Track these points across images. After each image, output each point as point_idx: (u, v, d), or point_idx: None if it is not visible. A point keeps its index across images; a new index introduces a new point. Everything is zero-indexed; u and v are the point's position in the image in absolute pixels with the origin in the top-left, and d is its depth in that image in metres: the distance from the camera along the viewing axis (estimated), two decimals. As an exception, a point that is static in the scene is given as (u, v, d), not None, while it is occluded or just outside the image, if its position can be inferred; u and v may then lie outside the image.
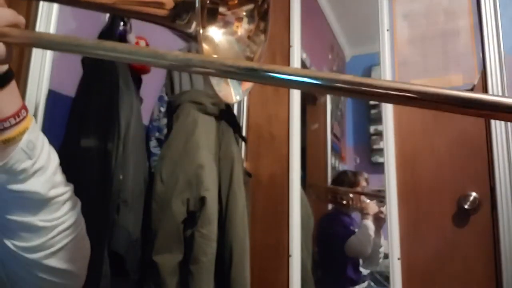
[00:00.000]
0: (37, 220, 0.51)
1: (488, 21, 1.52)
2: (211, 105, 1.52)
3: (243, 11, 0.50)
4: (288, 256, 1.70)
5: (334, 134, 3.30)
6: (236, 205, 1.47)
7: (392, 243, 1.50)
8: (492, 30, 1.51)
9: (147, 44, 1.58)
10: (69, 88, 1.39)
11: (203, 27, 0.44)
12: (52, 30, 1.17)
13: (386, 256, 1.72)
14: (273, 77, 0.32)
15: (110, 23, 1.43)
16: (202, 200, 1.37)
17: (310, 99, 3.08)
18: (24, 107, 0.51)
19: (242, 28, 0.49)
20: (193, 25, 0.41)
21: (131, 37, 1.53)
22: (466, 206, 1.43)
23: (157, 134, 1.68)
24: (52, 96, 1.22)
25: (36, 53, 1.12)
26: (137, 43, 1.55)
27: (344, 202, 2.62)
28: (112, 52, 0.37)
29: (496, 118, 0.28)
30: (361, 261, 2.49)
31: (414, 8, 1.68)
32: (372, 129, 3.43)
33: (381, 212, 2.37)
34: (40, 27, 1.14)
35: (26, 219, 0.51)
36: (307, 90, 0.33)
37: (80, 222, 0.58)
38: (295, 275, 1.68)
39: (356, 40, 3.72)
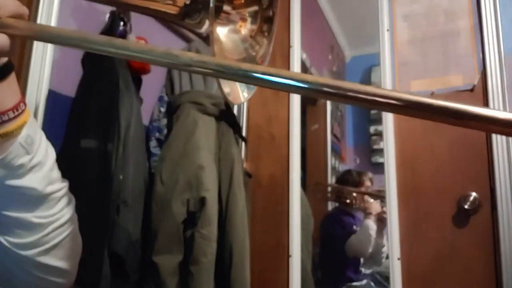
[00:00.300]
0: (32, 216, 0.50)
1: (488, 22, 1.52)
2: (211, 106, 1.52)
3: (247, 12, 0.50)
4: (288, 256, 1.69)
5: (334, 135, 3.30)
6: (236, 206, 1.47)
7: (392, 243, 1.50)
8: (492, 30, 1.51)
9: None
10: (69, 88, 1.39)
11: (211, 24, 0.43)
12: (52, 30, 1.17)
13: (387, 256, 1.72)
14: (259, 78, 0.32)
15: (110, 23, 1.43)
16: (202, 201, 1.37)
17: (310, 100, 3.08)
18: (22, 101, 0.50)
19: (246, 28, 0.49)
20: (205, 26, 0.41)
21: (131, 37, 1.53)
22: (466, 207, 1.43)
23: (157, 135, 1.68)
24: (52, 96, 1.22)
25: (36, 53, 1.12)
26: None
27: (348, 201, 2.61)
28: (123, 50, 0.36)
29: (484, 130, 0.28)
30: (362, 261, 2.49)
31: (414, 9, 1.68)
32: (372, 129, 3.43)
33: (384, 212, 2.37)
34: (40, 27, 1.14)
35: (22, 215, 0.50)
36: (294, 92, 0.33)
37: (74, 220, 0.57)
38: (295, 275, 1.68)
39: (356, 41, 3.72)
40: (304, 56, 2.37)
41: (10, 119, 0.47)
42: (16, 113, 0.48)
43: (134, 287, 1.33)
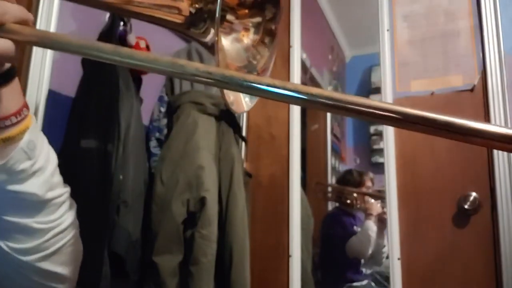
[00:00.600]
0: (32, 222, 0.50)
1: (488, 22, 1.52)
2: (211, 106, 1.52)
3: (250, 22, 0.50)
4: (288, 256, 1.69)
5: (334, 135, 3.30)
6: (236, 206, 1.47)
7: (392, 243, 1.50)
8: (492, 30, 1.51)
9: (147, 45, 1.58)
10: (69, 88, 1.39)
11: (216, 34, 0.43)
12: (52, 30, 1.17)
13: (387, 256, 1.72)
14: (258, 88, 0.32)
15: (110, 23, 1.43)
16: (202, 201, 1.37)
17: (310, 100, 3.08)
18: (25, 106, 0.50)
19: (248, 38, 0.50)
20: (210, 35, 0.41)
21: (131, 37, 1.53)
22: (466, 206, 1.43)
23: (157, 135, 1.68)
24: (52, 96, 1.22)
25: (36, 53, 1.12)
26: (137, 43, 1.55)
27: (348, 201, 2.61)
28: (129, 59, 0.35)
29: (489, 147, 0.28)
30: (362, 261, 2.49)
31: (414, 9, 1.68)
32: (372, 129, 3.43)
33: (384, 213, 2.37)
34: (40, 27, 1.14)
35: (22, 221, 0.50)
36: (293, 103, 0.33)
37: (75, 225, 0.57)
38: (295, 275, 1.68)
39: (356, 41, 3.72)
40: (304, 56, 2.37)
41: (12, 124, 0.47)
42: (19, 118, 0.48)
43: (134, 287, 1.33)
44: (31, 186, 0.49)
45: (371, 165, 3.34)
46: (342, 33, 3.64)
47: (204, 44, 0.43)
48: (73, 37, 0.38)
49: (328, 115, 3.16)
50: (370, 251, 2.39)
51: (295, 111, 1.85)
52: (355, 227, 2.55)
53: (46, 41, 0.40)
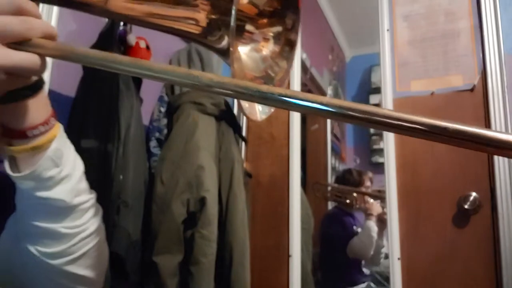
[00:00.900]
0: (60, 227, 0.52)
1: (488, 22, 1.52)
2: (211, 106, 1.52)
3: (270, 32, 0.50)
4: (288, 256, 1.70)
5: (334, 135, 3.31)
6: (236, 206, 1.47)
7: (392, 243, 1.50)
8: (492, 30, 1.51)
9: (147, 45, 1.58)
10: (69, 88, 1.39)
11: (232, 45, 0.44)
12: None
13: (386, 256, 1.72)
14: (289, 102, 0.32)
15: (110, 23, 1.43)
16: (202, 201, 1.37)
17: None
18: (53, 115, 0.52)
19: (267, 49, 0.50)
20: (224, 41, 0.42)
21: (131, 38, 1.53)
22: (466, 207, 1.43)
23: (157, 135, 1.68)
24: (52, 96, 1.21)
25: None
26: (137, 43, 1.55)
27: (348, 201, 2.60)
28: (148, 71, 0.36)
29: (504, 156, 0.28)
30: (363, 261, 2.49)
31: (414, 9, 1.68)
32: (372, 129, 3.43)
33: (385, 213, 2.37)
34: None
35: (50, 226, 0.52)
36: (323, 116, 0.33)
37: (101, 230, 0.59)
38: (295, 275, 1.68)
39: (356, 41, 3.73)
40: (304, 56, 2.37)
41: (40, 133, 0.49)
42: (47, 128, 0.49)
43: (134, 287, 1.33)
44: (59, 193, 0.51)
45: (371, 165, 3.35)
46: (342, 33, 3.64)
47: (220, 52, 0.43)
48: (94, 51, 0.40)
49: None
50: (372, 252, 2.39)
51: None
52: (354, 227, 2.55)
53: (70, 55, 0.41)
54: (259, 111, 0.48)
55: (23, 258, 0.54)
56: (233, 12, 0.39)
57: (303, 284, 1.71)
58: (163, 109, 1.71)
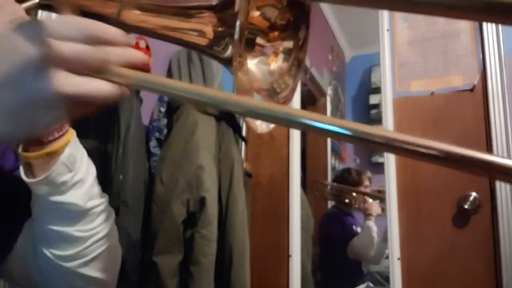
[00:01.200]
0: (74, 230, 0.53)
1: (488, 22, 1.52)
2: (211, 106, 1.52)
3: (281, 47, 0.51)
4: (288, 256, 1.70)
5: (334, 135, 3.30)
6: (236, 206, 1.47)
7: (392, 243, 1.50)
8: (492, 30, 1.51)
9: (147, 45, 1.58)
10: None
11: (240, 56, 0.44)
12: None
13: (387, 256, 1.72)
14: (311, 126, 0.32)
15: (110, 23, 1.43)
16: (202, 201, 1.37)
17: (310, 100, 3.08)
18: None
19: (276, 64, 0.50)
20: (228, 52, 0.42)
21: (131, 38, 1.53)
22: (466, 207, 1.43)
23: (157, 135, 1.68)
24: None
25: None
26: (137, 43, 1.55)
27: (347, 201, 2.60)
28: (242, 109, 0.35)
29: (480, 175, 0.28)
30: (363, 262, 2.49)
31: (414, 9, 1.68)
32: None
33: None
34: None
35: (64, 229, 0.53)
36: (341, 140, 0.33)
37: (114, 233, 0.60)
38: (295, 275, 1.68)
39: (356, 41, 3.72)
40: (304, 56, 2.36)
41: (54, 139, 0.50)
42: (60, 133, 0.50)
43: (134, 287, 1.33)
44: (72, 197, 0.52)
45: (371, 165, 3.34)
46: (342, 33, 3.64)
47: (225, 62, 0.44)
48: (176, 83, 0.39)
49: (328, 114, 3.16)
50: (372, 253, 2.38)
51: (295, 111, 1.85)
52: (354, 227, 2.55)
53: (147, 85, 0.40)
54: (260, 124, 0.49)
55: (38, 261, 0.55)
56: (237, 25, 0.40)
57: (303, 284, 1.71)
58: (163, 109, 1.71)
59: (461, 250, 1.43)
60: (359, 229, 2.51)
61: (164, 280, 1.31)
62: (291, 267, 1.68)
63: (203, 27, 0.46)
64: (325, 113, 3.15)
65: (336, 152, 3.33)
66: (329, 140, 3.16)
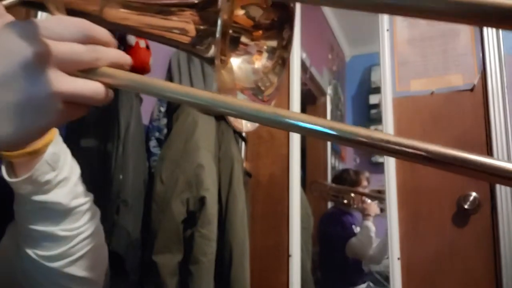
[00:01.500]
0: (58, 229, 0.53)
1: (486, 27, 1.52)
2: (211, 105, 1.52)
3: (265, 46, 0.51)
4: (288, 256, 1.70)
5: (334, 134, 3.30)
6: (236, 205, 1.47)
7: (392, 243, 1.50)
8: (492, 30, 1.51)
9: (147, 45, 1.58)
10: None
11: (223, 55, 0.44)
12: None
13: (386, 256, 1.72)
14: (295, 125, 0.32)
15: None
16: (202, 200, 1.37)
17: (310, 99, 3.08)
18: None
19: (260, 62, 0.50)
20: (211, 51, 0.42)
21: (131, 38, 1.53)
22: (466, 206, 1.44)
23: (157, 134, 1.68)
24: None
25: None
26: (137, 43, 1.55)
27: (345, 201, 2.61)
28: (231, 108, 0.35)
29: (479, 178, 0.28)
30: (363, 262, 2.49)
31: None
32: (372, 129, 3.42)
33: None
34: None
35: (48, 229, 0.52)
36: (328, 140, 0.32)
37: (99, 231, 0.59)
38: (295, 275, 1.68)
39: (356, 40, 3.72)
40: (304, 55, 2.37)
41: None
42: None
43: (134, 287, 1.33)
44: (56, 196, 0.52)
45: (371, 164, 3.34)
46: (342, 32, 3.64)
47: (208, 62, 0.44)
48: (172, 85, 0.39)
49: (328, 114, 3.16)
50: (371, 252, 2.39)
51: (295, 110, 1.85)
52: (353, 226, 2.55)
53: (141, 87, 0.40)
54: (245, 123, 0.49)
55: (23, 263, 0.54)
56: (219, 22, 0.40)
57: (303, 283, 1.71)
58: (163, 109, 1.71)
59: (461, 249, 1.43)
60: (358, 229, 2.51)
61: (164, 279, 1.31)
62: (291, 266, 1.68)
63: (186, 25, 0.46)
64: (325, 112, 3.15)
65: (336, 152, 3.32)
66: (329, 140, 3.16)
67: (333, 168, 3.20)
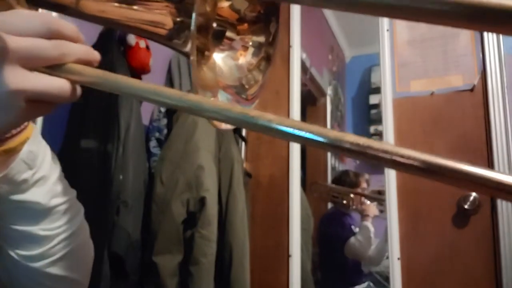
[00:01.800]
0: (38, 229, 0.51)
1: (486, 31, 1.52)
2: (211, 106, 1.52)
3: (251, 41, 0.49)
4: (288, 256, 1.70)
5: (334, 135, 3.30)
6: (236, 206, 1.47)
7: (392, 243, 1.50)
8: (492, 30, 1.51)
9: (147, 45, 1.58)
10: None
11: (207, 50, 0.43)
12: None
13: (386, 256, 1.72)
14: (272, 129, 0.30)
15: (110, 23, 1.43)
16: (202, 201, 1.37)
17: (310, 100, 3.08)
18: None
19: (245, 59, 0.49)
20: (188, 45, 0.41)
21: (131, 38, 1.53)
22: (466, 207, 1.43)
23: (157, 135, 1.68)
24: (52, 97, 1.21)
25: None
26: (137, 43, 1.55)
27: (345, 202, 2.61)
28: (197, 108, 0.34)
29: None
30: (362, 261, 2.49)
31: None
32: (372, 129, 3.43)
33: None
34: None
35: (28, 228, 0.51)
36: (310, 145, 0.31)
37: (82, 230, 0.58)
38: (295, 275, 1.68)
39: (356, 41, 3.72)
40: (304, 56, 2.37)
41: (12, 136, 0.47)
42: (18, 130, 0.47)
43: (134, 287, 1.33)
44: (34, 195, 0.50)
45: (371, 165, 3.34)
46: (342, 33, 3.64)
47: (186, 55, 0.42)
48: (138, 82, 0.38)
49: (328, 114, 3.16)
50: (369, 253, 2.39)
51: (295, 111, 1.85)
52: (353, 227, 2.55)
53: (108, 84, 0.38)
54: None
55: (4, 262, 0.53)
56: (194, 15, 0.39)
57: (303, 284, 1.71)
58: (163, 109, 1.71)
59: (461, 250, 1.43)
60: (357, 230, 2.52)
61: (164, 280, 1.31)
62: (291, 267, 1.68)
63: (163, 18, 0.45)
64: (325, 113, 3.15)
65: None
66: (329, 140, 3.16)
67: (333, 169, 3.20)
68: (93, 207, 1.17)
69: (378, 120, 2.80)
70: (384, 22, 1.69)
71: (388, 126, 1.59)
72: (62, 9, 0.41)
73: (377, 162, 0.28)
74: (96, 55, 0.42)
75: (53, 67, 0.38)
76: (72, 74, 0.39)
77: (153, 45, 1.63)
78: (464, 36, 1.58)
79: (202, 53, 0.45)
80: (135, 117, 1.39)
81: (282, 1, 0.49)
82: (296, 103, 1.86)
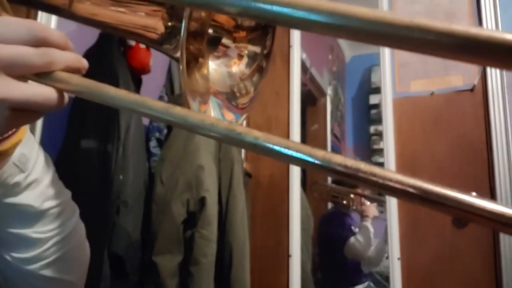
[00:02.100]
0: (31, 232, 0.51)
1: (488, 22, 1.52)
2: (211, 106, 1.52)
3: (247, 50, 0.49)
4: (288, 256, 1.70)
5: (334, 135, 3.30)
6: (236, 206, 1.47)
7: (392, 244, 1.50)
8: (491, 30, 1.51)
9: (147, 46, 1.58)
10: (69, 89, 1.38)
11: (201, 56, 0.43)
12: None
13: (386, 256, 1.73)
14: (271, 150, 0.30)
15: (110, 23, 1.43)
16: (202, 201, 1.37)
17: (310, 100, 3.08)
18: None
19: (238, 68, 0.48)
20: (179, 52, 0.41)
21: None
22: (466, 207, 1.43)
23: (157, 135, 1.68)
24: (52, 97, 1.21)
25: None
26: (137, 43, 1.55)
27: (345, 202, 2.62)
28: (183, 121, 0.33)
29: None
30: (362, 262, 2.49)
31: (414, 9, 1.68)
32: (372, 129, 3.43)
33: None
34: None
35: (21, 231, 0.51)
36: (296, 165, 0.30)
37: (77, 231, 0.58)
38: (295, 275, 1.68)
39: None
40: (304, 56, 2.37)
41: (4, 139, 0.46)
42: (10, 132, 0.47)
43: (134, 287, 1.33)
44: (27, 198, 0.50)
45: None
46: (342, 33, 3.63)
47: (178, 61, 0.42)
48: (125, 93, 0.37)
49: (328, 114, 3.16)
50: (369, 253, 2.39)
51: (295, 111, 1.85)
52: (353, 227, 2.56)
53: (95, 94, 0.38)
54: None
55: (1, 266, 0.53)
56: (184, 21, 0.38)
57: (303, 284, 1.71)
58: (163, 109, 1.71)
59: (461, 250, 1.43)
60: (357, 230, 2.52)
61: (164, 280, 1.31)
62: (291, 267, 1.68)
63: (155, 23, 0.45)
64: (325, 113, 3.15)
65: (336, 152, 3.32)
66: (329, 140, 3.17)
67: (333, 168, 3.19)
68: (93, 207, 1.17)
69: (378, 120, 2.81)
70: (384, 22, 1.68)
71: (388, 126, 1.59)
72: (55, 11, 0.41)
73: (364, 184, 0.27)
74: (84, 63, 0.42)
75: (40, 75, 0.38)
76: (59, 82, 0.38)
77: (153, 45, 1.63)
78: (464, 36, 1.58)
79: (196, 58, 0.45)
80: (135, 117, 1.39)
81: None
82: (296, 103, 1.86)
